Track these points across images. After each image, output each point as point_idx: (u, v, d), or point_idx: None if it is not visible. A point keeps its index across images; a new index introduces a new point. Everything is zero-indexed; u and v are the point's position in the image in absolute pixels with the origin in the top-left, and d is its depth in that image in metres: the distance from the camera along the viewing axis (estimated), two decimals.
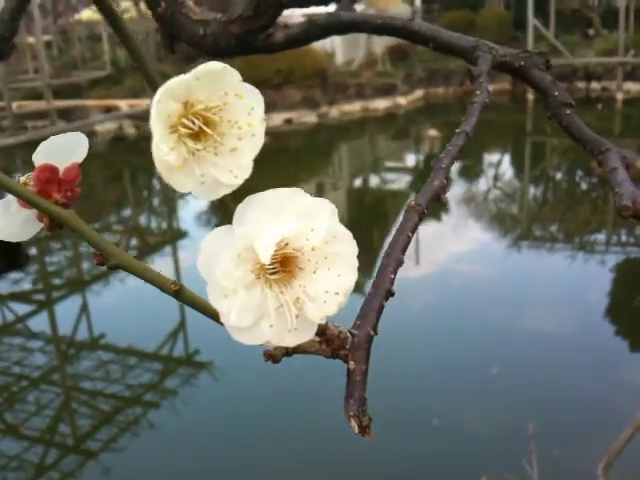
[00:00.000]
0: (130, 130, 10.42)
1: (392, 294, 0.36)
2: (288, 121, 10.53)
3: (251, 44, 0.50)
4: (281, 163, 9.29)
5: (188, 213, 7.17)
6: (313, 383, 3.51)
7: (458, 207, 6.67)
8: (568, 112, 0.47)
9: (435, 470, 2.80)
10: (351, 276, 0.31)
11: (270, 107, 10.43)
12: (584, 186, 7.60)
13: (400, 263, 0.37)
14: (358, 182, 8.77)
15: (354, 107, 11.03)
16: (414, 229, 0.37)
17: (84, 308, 4.73)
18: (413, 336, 3.97)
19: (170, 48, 0.54)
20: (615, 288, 4.63)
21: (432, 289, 4.82)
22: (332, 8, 0.53)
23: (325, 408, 3.26)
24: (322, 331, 0.32)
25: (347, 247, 0.31)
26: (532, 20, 11.18)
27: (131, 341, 4.08)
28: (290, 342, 0.30)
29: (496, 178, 8.07)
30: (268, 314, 0.29)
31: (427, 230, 6.12)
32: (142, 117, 9.86)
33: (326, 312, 0.30)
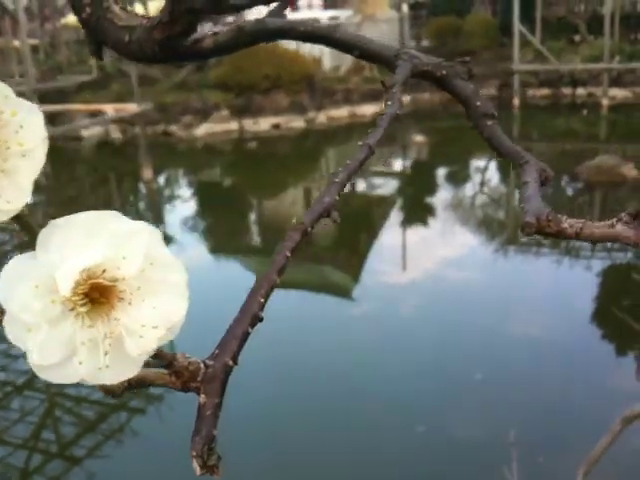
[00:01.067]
0: (116, 134, 10.38)
1: (260, 319, 0.33)
2: (276, 126, 10.53)
3: (176, 50, 0.49)
4: (269, 168, 9.29)
5: (174, 218, 7.14)
6: (296, 392, 3.50)
7: (445, 212, 6.70)
8: (489, 123, 0.47)
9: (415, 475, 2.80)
10: (177, 306, 0.28)
11: (258, 112, 10.43)
12: (570, 191, 7.65)
13: (273, 285, 0.34)
14: (345, 187, 8.77)
15: (341, 112, 11.05)
16: (294, 248, 0.34)
17: None
18: (400, 341, 3.97)
19: (97, 55, 0.54)
20: (601, 293, 4.66)
21: (419, 294, 4.83)
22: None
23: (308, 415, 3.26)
24: (169, 362, 0.30)
25: (171, 274, 0.28)
26: (518, 26, 11.26)
27: None
28: (109, 379, 0.27)
29: (483, 183, 8.11)
30: (78, 350, 0.26)
31: (414, 235, 6.14)
32: (128, 121, 9.82)
33: (145, 348, 0.27)
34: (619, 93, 11.24)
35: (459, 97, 0.48)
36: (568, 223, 0.37)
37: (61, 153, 9.99)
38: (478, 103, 0.47)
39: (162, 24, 0.47)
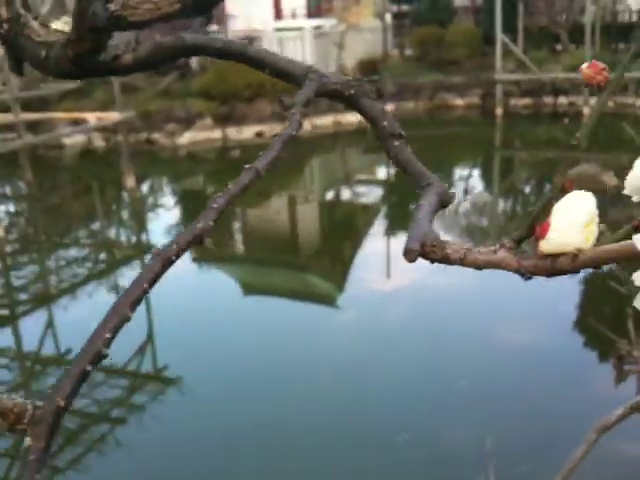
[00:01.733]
0: (99, 142, 10.31)
1: (103, 357, 0.30)
2: (259, 134, 10.52)
3: (92, 67, 0.49)
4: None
5: (158, 226, 7.10)
6: (280, 403, 3.48)
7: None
8: (396, 143, 0.47)
9: None
10: None
11: (241, 120, 10.42)
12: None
13: (125, 319, 0.31)
14: (330, 195, 8.79)
15: (326, 121, 11.07)
16: (154, 280, 0.32)
17: (50, 323, 4.64)
18: (384, 349, 3.96)
19: (17, 71, 0.53)
20: (584, 301, 4.69)
21: (403, 302, 4.83)
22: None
23: (291, 428, 3.24)
24: None
25: None
26: (500, 36, 11.36)
27: None
28: None
29: (466, 191, 8.14)
30: None
31: (398, 243, 6.15)
32: (111, 130, 9.77)
33: None
34: None
35: (367, 117, 0.48)
36: (453, 249, 0.36)
37: (43, 161, 9.91)
38: (385, 123, 0.47)
39: (72, 42, 0.47)
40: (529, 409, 3.26)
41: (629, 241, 0.31)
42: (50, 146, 9.94)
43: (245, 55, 0.51)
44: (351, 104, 0.48)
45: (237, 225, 7.78)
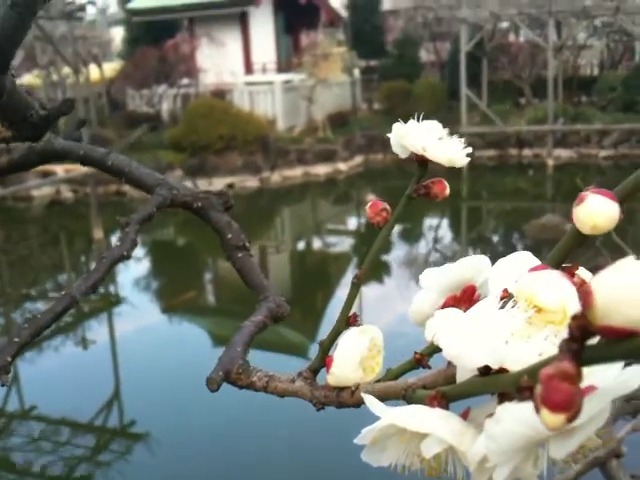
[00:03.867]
0: (67, 194, 10.25)
1: None
2: (230, 185, 10.56)
3: None
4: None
5: (127, 278, 7.02)
6: (252, 458, 3.42)
7: (400, 269, 6.75)
8: (240, 255, 0.49)
9: None
10: None
11: (212, 172, 10.47)
12: (520, 248, 7.82)
13: None
14: (301, 245, 8.81)
15: (296, 172, 11.18)
16: None
17: (15, 378, 4.52)
18: None
19: None
20: None
21: None
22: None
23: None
24: None
25: None
26: (465, 90, 11.68)
27: (64, 412, 3.89)
28: None
29: (436, 241, 8.23)
30: None
31: (369, 293, 6.15)
32: (80, 181, 9.73)
33: None
34: (564, 153, 11.68)
35: (214, 228, 0.50)
36: (257, 376, 0.38)
37: (11, 213, 9.80)
38: (229, 235, 0.49)
39: None
40: None
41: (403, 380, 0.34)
42: (18, 198, 9.84)
43: (104, 164, 0.52)
44: (200, 216, 0.50)
45: (207, 276, 7.73)
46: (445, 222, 9.35)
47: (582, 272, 0.29)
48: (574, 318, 0.21)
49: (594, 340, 0.21)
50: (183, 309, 6.05)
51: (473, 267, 0.32)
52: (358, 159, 12.06)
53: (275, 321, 0.43)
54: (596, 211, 0.26)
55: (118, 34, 16.45)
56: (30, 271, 7.59)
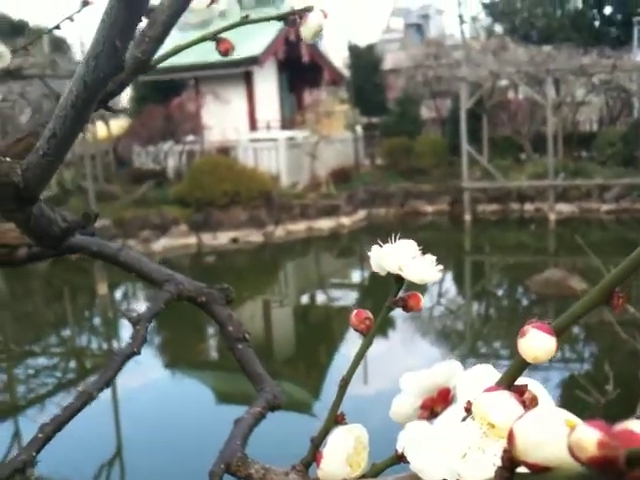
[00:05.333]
0: None
1: None
2: (234, 240, 10.62)
3: None
4: (227, 281, 9.21)
5: (129, 334, 6.99)
6: None
7: (404, 323, 6.71)
8: (240, 346, 0.52)
9: None
10: None
11: (216, 227, 10.54)
12: (524, 302, 7.79)
13: None
14: (305, 299, 8.78)
15: (299, 227, 11.24)
16: None
17: (16, 435, 4.46)
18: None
19: None
20: (562, 405, 4.64)
21: (381, 407, 4.74)
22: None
23: None
24: None
25: None
26: (466, 146, 11.84)
27: (66, 472, 3.83)
28: None
29: (440, 295, 8.21)
30: None
31: (374, 346, 6.10)
32: None
33: None
34: (565, 208, 11.75)
35: (216, 320, 0.53)
36: (255, 469, 0.40)
37: (17, 268, 9.81)
38: (231, 328, 0.52)
39: None
40: None
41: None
42: None
43: (117, 260, 0.57)
44: (203, 309, 0.54)
45: (210, 331, 7.69)
46: (449, 276, 9.34)
47: (534, 388, 0.33)
48: (505, 451, 0.25)
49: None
50: (186, 364, 6.00)
51: (447, 372, 0.36)
52: (361, 213, 12.14)
53: (272, 410, 0.46)
54: (535, 345, 0.30)
55: (125, 92, 16.81)
56: (33, 326, 7.57)
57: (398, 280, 0.42)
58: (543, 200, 11.76)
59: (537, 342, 0.30)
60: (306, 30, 0.48)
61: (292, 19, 0.49)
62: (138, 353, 0.45)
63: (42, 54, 8.29)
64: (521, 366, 0.32)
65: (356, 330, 0.43)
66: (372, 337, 0.43)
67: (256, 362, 0.50)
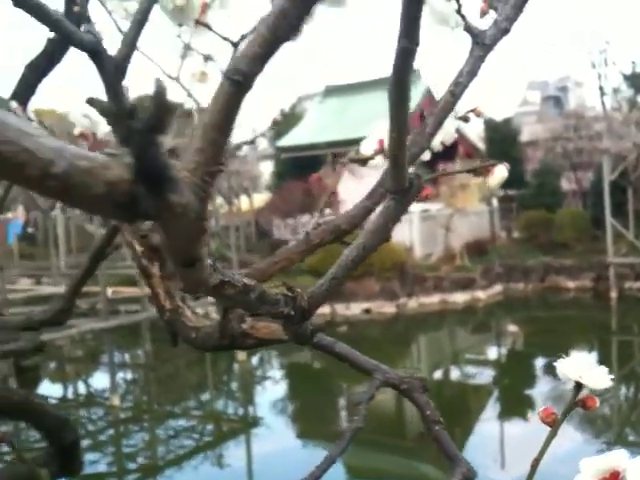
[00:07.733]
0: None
1: None
2: (367, 311, 10.68)
3: (231, 345, 0.66)
4: (359, 352, 9.28)
5: (264, 399, 7.15)
6: None
7: (545, 405, 6.38)
8: (437, 428, 0.59)
9: None
10: None
11: (349, 297, 10.67)
12: None
13: None
14: (438, 374, 8.60)
15: (432, 299, 11.13)
16: None
17: None
18: None
19: (173, 343, 0.72)
20: None
21: None
22: None
23: None
24: None
25: None
26: (610, 219, 11.32)
27: None
28: None
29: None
30: None
31: (515, 430, 5.85)
32: None
33: None
34: None
35: (416, 405, 0.62)
36: None
37: (163, 332, 10.40)
38: (428, 412, 0.61)
39: (219, 337, 0.64)
40: None
41: None
42: None
43: (333, 350, 0.68)
44: (405, 395, 0.64)
45: (342, 402, 7.70)
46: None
47: None
48: None
49: None
50: (317, 435, 6.02)
51: (618, 459, 0.44)
52: (497, 288, 11.83)
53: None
54: None
55: (267, 168, 17.73)
56: (175, 388, 7.94)
57: (578, 385, 0.51)
58: None
59: None
60: (492, 180, 0.59)
61: (481, 171, 0.60)
62: (362, 427, 0.57)
63: None
64: None
65: (544, 423, 0.51)
66: (557, 429, 0.51)
67: (452, 444, 0.58)
